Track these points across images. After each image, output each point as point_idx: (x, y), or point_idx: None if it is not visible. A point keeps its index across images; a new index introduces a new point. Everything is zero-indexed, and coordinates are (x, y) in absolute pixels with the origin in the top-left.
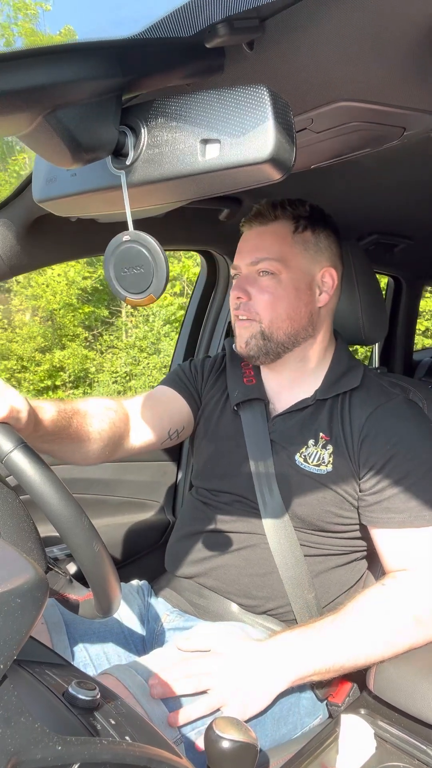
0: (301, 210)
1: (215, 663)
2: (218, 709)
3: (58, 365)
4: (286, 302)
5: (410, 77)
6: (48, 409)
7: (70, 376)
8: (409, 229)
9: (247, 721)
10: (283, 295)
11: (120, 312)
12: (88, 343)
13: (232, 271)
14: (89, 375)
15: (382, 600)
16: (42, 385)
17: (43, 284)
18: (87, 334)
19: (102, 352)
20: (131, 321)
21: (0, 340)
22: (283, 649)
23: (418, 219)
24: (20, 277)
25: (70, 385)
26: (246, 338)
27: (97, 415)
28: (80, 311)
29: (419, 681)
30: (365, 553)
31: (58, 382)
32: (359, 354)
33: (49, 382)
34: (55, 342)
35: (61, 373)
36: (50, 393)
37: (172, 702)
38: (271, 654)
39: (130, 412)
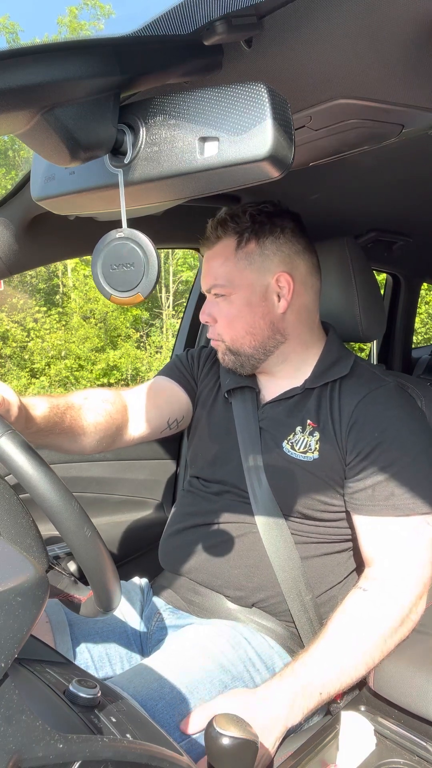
0: (243, 222)
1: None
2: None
3: (112, 364)
4: (242, 320)
5: (409, 74)
6: (40, 406)
7: (123, 375)
8: (407, 226)
9: None
10: (237, 315)
11: (161, 314)
12: (139, 344)
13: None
14: (140, 374)
15: (368, 611)
16: (98, 382)
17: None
18: (138, 335)
19: (152, 354)
20: (178, 323)
21: (59, 341)
22: (282, 697)
23: (416, 216)
24: (78, 282)
25: (123, 383)
26: (220, 356)
27: (92, 408)
28: (129, 313)
29: (418, 678)
30: (355, 543)
31: (112, 380)
32: (360, 353)
33: (104, 380)
34: (107, 343)
35: (115, 371)
36: None
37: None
38: (272, 706)
39: (129, 403)
